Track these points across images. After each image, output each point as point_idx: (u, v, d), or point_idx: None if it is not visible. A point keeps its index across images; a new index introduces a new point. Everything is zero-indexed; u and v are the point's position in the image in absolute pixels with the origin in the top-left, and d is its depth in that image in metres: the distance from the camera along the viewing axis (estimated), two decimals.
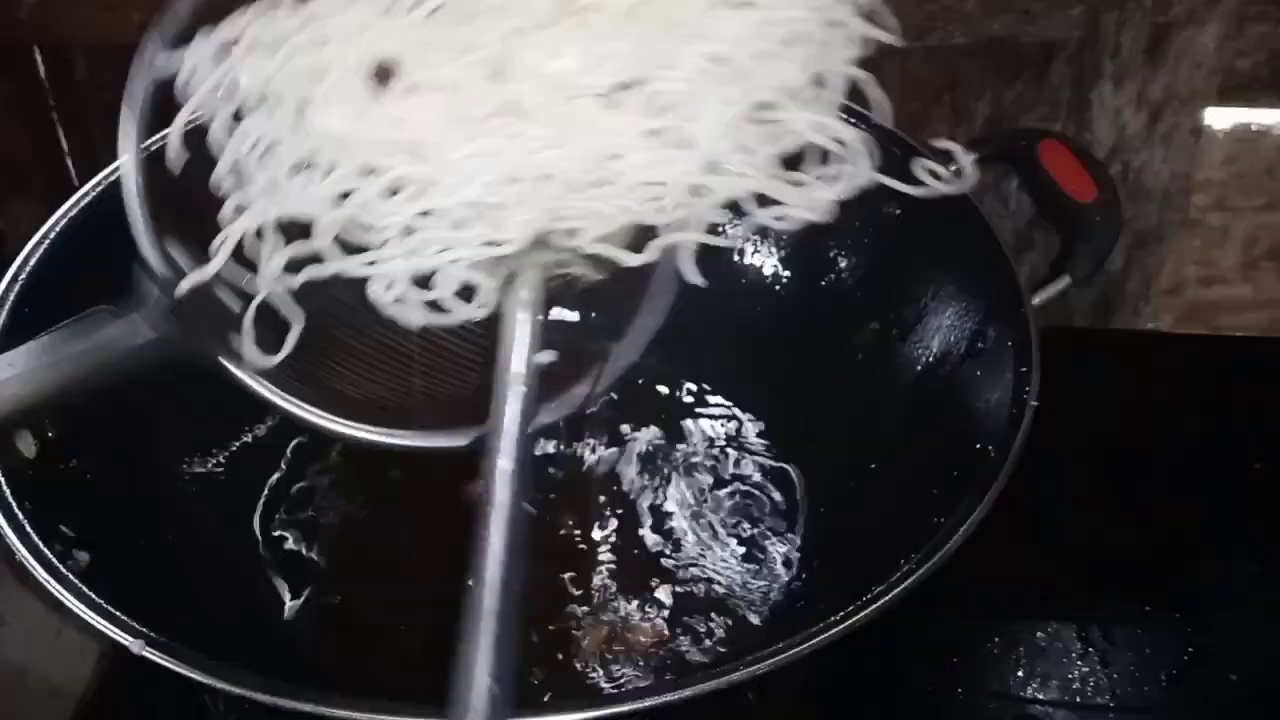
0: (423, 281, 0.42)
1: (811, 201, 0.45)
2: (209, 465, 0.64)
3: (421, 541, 0.63)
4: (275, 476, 0.66)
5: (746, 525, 0.64)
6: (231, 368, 0.46)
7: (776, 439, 0.67)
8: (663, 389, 0.70)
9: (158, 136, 0.44)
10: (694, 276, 0.43)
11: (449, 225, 0.41)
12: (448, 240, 0.41)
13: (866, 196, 0.64)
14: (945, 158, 0.50)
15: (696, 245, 0.43)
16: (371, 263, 0.42)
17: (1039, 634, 0.62)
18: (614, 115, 0.43)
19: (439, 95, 0.43)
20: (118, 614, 0.46)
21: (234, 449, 0.65)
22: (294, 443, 0.67)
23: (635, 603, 0.60)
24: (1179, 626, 0.62)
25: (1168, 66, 0.70)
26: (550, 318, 0.44)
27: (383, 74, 0.44)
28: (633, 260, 0.43)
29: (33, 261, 0.57)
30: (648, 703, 0.43)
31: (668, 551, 0.63)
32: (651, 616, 0.60)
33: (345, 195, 0.42)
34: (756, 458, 0.67)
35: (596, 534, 0.63)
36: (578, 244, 0.43)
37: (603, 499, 0.65)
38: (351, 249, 0.42)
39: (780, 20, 0.45)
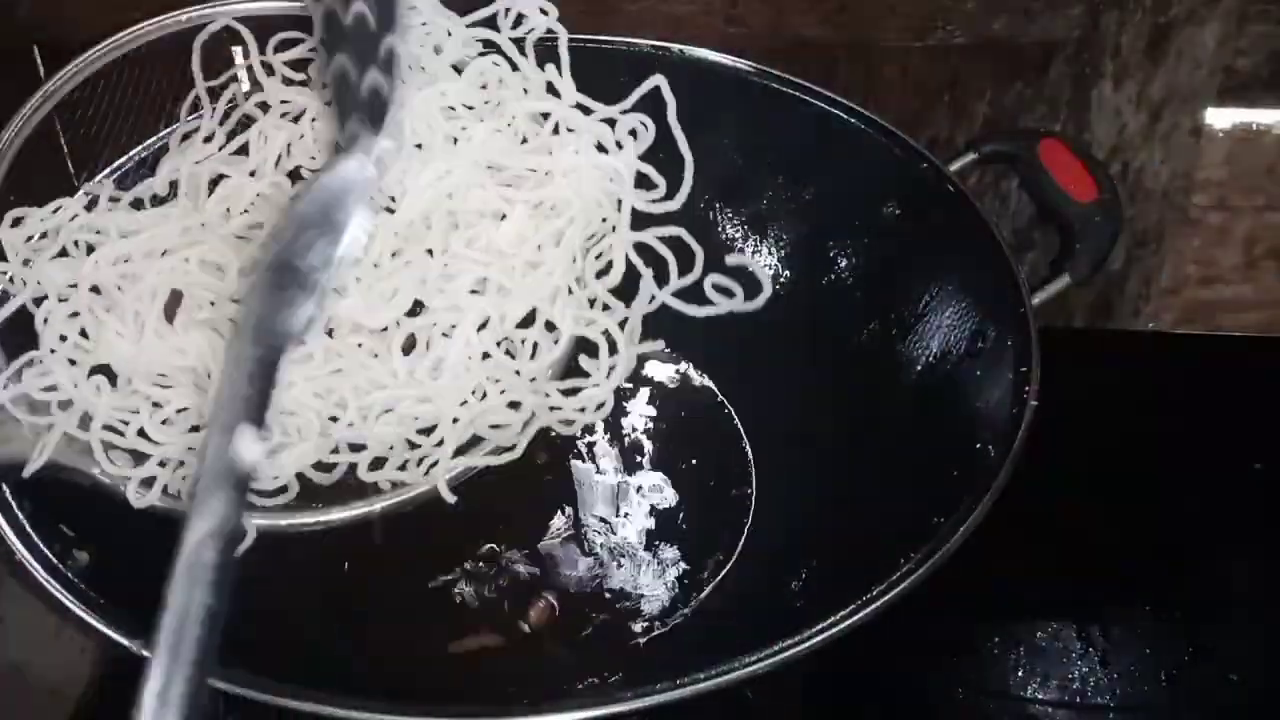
0: None
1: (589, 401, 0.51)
2: None
3: (424, 541, 0.62)
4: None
5: (743, 525, 0.64)
6: None
7: (775, 438, 0.67)
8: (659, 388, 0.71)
9: None
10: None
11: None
12: None
13: (866, 196, 0.65)
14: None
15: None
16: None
17: (1039, 634, 0.62)
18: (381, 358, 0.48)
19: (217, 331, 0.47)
20: (118, 614, 0.46)
21: None
22: None
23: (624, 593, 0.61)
24: (1179, 626, 0.62)
25: (1168, 66, 0.70)
26: None
27: (171, 306, 0.48)
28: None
29: None
30: (648, 702, 0.43)
31: (662, 550, 0.63)
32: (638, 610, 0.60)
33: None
34: (755, 457, 0.67)
35: (595, 529, 0.63)
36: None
37: (595, 490, 0.65)
38: None
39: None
